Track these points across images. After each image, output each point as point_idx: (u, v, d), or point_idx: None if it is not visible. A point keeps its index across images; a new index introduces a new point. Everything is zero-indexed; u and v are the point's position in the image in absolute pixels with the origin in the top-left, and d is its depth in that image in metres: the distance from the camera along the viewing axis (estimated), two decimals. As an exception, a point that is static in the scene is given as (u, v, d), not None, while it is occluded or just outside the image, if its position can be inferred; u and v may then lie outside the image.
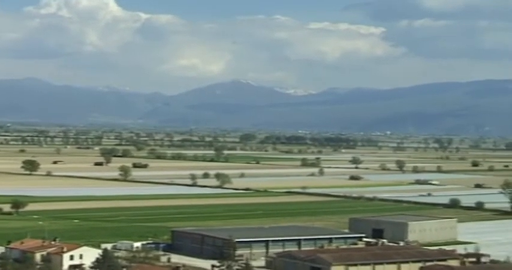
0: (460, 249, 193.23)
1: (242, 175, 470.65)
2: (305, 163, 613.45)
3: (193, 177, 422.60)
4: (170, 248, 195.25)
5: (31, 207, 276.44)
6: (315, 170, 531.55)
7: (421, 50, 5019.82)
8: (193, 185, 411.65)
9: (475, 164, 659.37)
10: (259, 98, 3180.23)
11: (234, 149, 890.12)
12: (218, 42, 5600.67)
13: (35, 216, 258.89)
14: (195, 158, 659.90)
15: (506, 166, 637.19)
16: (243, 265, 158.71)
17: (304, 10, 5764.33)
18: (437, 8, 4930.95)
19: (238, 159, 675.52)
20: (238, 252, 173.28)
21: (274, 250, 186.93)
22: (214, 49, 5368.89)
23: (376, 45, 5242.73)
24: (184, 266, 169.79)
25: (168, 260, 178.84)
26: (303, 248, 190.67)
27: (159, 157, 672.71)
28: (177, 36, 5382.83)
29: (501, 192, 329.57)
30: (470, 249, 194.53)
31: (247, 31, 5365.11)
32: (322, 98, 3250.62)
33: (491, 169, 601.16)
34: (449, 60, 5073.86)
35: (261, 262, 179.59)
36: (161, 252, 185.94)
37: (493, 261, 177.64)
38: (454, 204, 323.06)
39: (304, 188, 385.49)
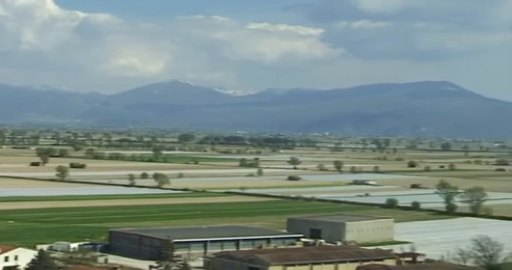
0: (397, 249, 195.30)
1: (180, 175, 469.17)
2: (244, 164, 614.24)
3: (131, 177, 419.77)
4: (107, 249, 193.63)
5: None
6: (254, 170, 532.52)
7: (359, 51, 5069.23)
8: (131, 185, 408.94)
9: (411, 165, 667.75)
10: (198, 99, 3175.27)
11: (172, 149, 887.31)
12: (157, 42, 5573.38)
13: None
14: (133, 158, 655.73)
15: (442, 167, 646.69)
16: (181, 266, 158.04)
17: (243, 11, 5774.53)
18: (375, 9, 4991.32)
19: (176, 159, 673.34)
20: (176, 252, 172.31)
21: (212, 250, 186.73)
22: (153, 49, 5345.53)
23: (315, 46, 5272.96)
24: (121, 266, 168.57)
25: (105, 261, 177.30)
26: (241, 249, 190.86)
27: (97, 157, 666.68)
28: (115, 35, 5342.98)
29: (437, 193, 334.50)
30: (407, 248, 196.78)
31: (186, 31, 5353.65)
32: (261, 99, 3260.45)
33: (427, 170, 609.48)
34: (387, 61, 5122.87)
35: (199, 262, 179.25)
36: (98, 253, 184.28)
37: (428, 261, 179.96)
38: (391, 205, 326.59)
39: (242, 188, 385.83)
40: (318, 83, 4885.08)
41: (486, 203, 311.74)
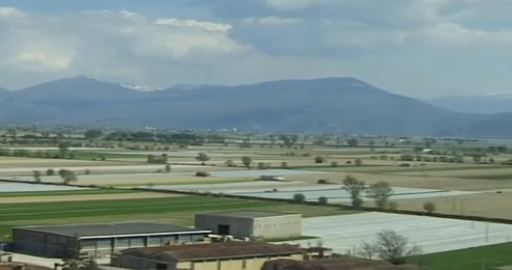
0: (304, 244, 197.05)
1: (87, 172, 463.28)
2: (151, 160, 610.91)
3: (36, 174, 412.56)
4: (12, 247, 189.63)
5: None
6: (162, 166, 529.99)
7: (266, 48, 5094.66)
8: (37, 182, 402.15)
9: (318, 160, 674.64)
10: (105, 94, 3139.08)
11: (79, 145, 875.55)
12: (63, 37, 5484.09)
13: None
14: (39, 155, 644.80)
15: (349, 162, 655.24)
16: (88, 263, 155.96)
17: (151, 6, 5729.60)
18: (283, 6, 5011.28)
19: (83, 155, 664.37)
20: (83, 250, 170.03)
21: (119, 247, 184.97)
22: (59, 44, 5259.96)
23: (223, 42, 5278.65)
24: (26, 265, 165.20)
25: (9, 260, 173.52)
26: (148, 245, 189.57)
27: (1, 154, 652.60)
28: (20, 29, 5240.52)
29: (343, 188, 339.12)
30: (314, 243, 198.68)
31: (93, 26, 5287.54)
32: (168, 95, 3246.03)
33: (334, 165, 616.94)
34: (295, 58, 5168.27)
35: (106, 260, 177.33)
36: (2, 252, 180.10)
37: (334, 255, 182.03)
38: (298, 200, 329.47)
39: (150, 184, 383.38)
40: (226, 79, 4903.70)
41: (391, 198, 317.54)
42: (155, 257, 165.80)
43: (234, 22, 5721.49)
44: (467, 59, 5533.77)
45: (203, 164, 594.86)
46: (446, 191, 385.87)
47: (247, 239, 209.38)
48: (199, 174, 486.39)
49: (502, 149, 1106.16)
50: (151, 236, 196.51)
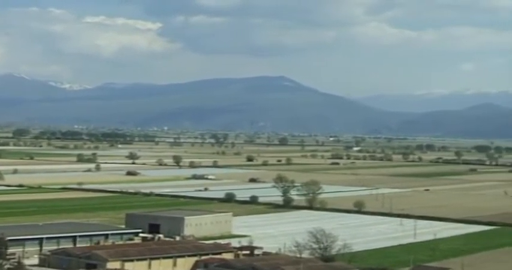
0: (235, 243, 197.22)
1: (15, 171, 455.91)
2: (81, 159, 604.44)
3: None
4: None
5: None
6: (92, 165, 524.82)
7: (197, 46, 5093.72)
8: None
9: (249, 159, 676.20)
10: (33, 92, 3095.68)
11: (6, 144, 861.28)
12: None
13: None
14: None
15: (279, 161, 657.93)
16: (15, 264, 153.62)
17: (80, 3, 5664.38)
18: (213, 4, 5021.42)
19: (11, 155, 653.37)
20: (10, 250, 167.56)
21: (48, 247, 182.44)
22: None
23: (153, 41, 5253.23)
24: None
25: None
26: (78, 245, 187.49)
27: None
28: None
29: (274, 186, 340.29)
30: (244, 242, 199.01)
31: (21, 23, 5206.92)
32: (98, 93, 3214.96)
33: (265, 164, 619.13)
34: (225, 56, 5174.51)
35: (35, 260, 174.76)
36: None
37: (265, 253, 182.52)
38: (229, 199, 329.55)
39: (80, 184, 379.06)
40: (156, 77, 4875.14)
41: (321, 196, 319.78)
42: (85, 257, 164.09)
43: (165, 20, 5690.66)
44: (396, 58, 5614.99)
45: (133, 163, 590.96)
46: (376, 188, 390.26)
47: (178, 238, 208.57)
48: (129, 173, 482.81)
49: (430, 147, 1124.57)
50: (80, 236, 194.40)
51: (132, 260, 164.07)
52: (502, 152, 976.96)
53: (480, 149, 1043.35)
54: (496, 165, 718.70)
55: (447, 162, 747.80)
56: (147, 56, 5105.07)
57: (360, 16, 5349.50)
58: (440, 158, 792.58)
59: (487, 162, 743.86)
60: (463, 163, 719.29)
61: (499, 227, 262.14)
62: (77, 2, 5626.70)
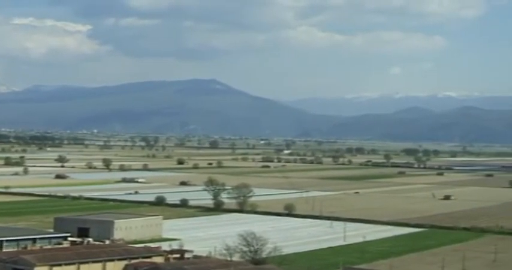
0: (165, 246, 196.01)
1: None
2: (9, 162, 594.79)
3: None
4: None
5: None
6: (19, 169, 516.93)
7: (128, 49, 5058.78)
8: None
9: (180, 162, 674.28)
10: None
11: None
12: None
13: None
14: None
15: (210, 164, 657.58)
16: None
17: (8, 5, 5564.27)
18: (144, 7, 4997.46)
19: None
20: None
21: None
22: None
23: (83, 43, 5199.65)
24: None
25: None
26: (4, 250, 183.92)
27: None
28: None
29: (205, 189, 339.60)
30: (175, 245, 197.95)
31: None
32: (26, 96, 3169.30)
33: (195, 167, 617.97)
34: (156, 59, 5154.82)
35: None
36: None
37: (196, 257, 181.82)
38: (159, 202, 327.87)
39: (7, 187, 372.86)
40: (86, 80, 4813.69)
41: (252, 199, 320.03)
42: (11, 261, 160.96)
43: (94, 22, 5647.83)
44: (326, 61, 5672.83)
45: (62, 166, 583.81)
46: (306, 191, 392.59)
47: (107, 242, 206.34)
48: (58, 176, 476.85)
49: (359, 150, 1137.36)
50: (7, 240, 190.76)
51: (60, 265, 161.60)
52: (430, 155, 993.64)
53: (408, 152, 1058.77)
54: (424, 168, 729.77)
55: (376, 165, 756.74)
56: (77, 58, 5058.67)
57: (290, 20, 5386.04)
58: (369, 161, 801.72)
59: (415, 165, 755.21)
60: (392, 166, 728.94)
61: (426, 229, 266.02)
62: (5, 3, 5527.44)
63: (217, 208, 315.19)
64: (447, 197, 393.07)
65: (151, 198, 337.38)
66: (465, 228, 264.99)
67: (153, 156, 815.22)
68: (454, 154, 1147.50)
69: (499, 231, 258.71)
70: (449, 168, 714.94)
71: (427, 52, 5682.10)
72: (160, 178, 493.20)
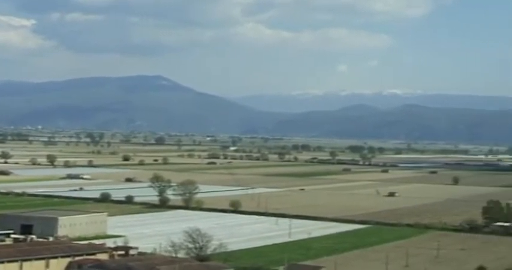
0: (110, 243, 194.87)
1: None
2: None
3: None
4: None
5: None
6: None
7: (73, 44, 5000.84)
8: None
9: (125, 159, 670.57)
10: None
11: None
12: None
13: None
14: None
15: (156, 160, 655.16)
16: None
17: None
18: (88, 2, 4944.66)
19: None
20: None
21: None
22: None
23: (28, 38, 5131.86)
24: None
25: None
26: None
27: None
28: None
29: (150, 186, 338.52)
30: (120, 242, 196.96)
31: None
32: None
33: (141, 163, 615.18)
34: (101, 54, 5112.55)
35: None
36: None
37: (140, 253, 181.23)
38: (104, 198, 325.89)
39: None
40: (30, 75, 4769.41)
41: (198, 196, 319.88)
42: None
43: (39, 17, 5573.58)
44: (273, 58, 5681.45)
45: (6, 163, 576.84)
46: (252, 188, 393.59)
47: (51, 239, 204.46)
48: (1, 172, 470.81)
49: (305, 147, 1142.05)
50: None
51: (2, 262, 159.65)
52: (375, 152, 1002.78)
53: (354, 149, 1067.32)
54: (369, 165, 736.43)
55: (322, 162, 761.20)
56: (21, 53, 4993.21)
57: (237, 16, 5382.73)
58: (315, 158, 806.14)
59: (361, 162, 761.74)
60: (337, 163, 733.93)
61: (371, 226, 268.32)
62: None
63: (163, 205, 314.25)
64: (391, 194, 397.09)
65: (96, 194, 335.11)
66: (409, 225, 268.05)
67: (98, 152, 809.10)
68: (398, 151, 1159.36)
69: (441, 228, 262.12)
70: (393, 166, 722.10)
71: (373, 50, 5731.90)
72: (105, 174, 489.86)
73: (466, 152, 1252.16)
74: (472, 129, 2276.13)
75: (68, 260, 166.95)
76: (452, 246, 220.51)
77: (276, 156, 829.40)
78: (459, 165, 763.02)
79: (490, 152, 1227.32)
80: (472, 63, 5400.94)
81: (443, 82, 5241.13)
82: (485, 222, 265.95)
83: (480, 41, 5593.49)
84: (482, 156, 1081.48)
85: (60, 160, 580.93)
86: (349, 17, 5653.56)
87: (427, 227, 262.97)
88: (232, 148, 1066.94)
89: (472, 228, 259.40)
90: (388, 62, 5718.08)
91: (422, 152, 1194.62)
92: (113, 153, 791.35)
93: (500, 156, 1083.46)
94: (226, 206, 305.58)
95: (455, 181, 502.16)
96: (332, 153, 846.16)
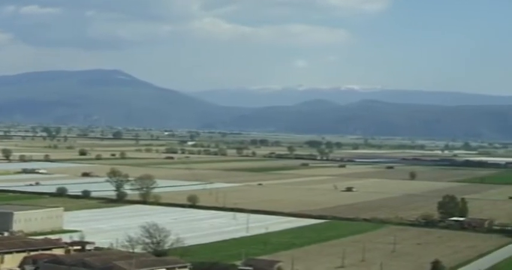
0: (66, 238, 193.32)
1: None
2: None
3: None
4: None
5: None
6: None
7: (29, 38, 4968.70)
8: None
9: (82, 153, 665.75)
10: None
11: None
12: None
13: None
14: None
15: (113, 155, 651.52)
16: None
17: None
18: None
19: None
20: None
21: None
22: None
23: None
24: None
25: None
26: None
27: None
28: None
29: (107, 181, 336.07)
30: (76, 237, 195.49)
31: None
32: None
33: (98, 158, 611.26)
34: (58, 48, 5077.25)
35: None
36: None
37: (97, 249, 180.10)
38: (61, 193, 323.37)
39: None
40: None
41: (155, 191, 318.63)
42: None
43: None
44: (232, 53, 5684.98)
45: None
46: (210, 183, 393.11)
47: (6, 234, 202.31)
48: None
49: (263, 142, 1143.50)
50: None
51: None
52: (333, 147, 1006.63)
53: (312, 144, 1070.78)
54: (327, 160, 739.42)
55: (280, 157, 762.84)
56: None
57: (195, 11, 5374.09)
58: (273, 153, 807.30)
59: (318, 157, 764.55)
60: (295, 158, 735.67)
61: (328, 221, 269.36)
62: None
63: (120, 199, 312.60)
64: (349, 189, 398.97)
65: (52, 189, 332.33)
66: (366, 220, 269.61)
67: (55, 147, 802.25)
68: (356, 146, 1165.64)
69: (398, 223, 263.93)
70: (351, 161, 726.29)
71: (332, 45, 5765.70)
72: (62, 169, 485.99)
73: (422, 147, 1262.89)
74: (429, 124, 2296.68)
75: (23, 255, 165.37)
76: (409, 241, 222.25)
77: (234, 151, 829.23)
78: (416, 161, 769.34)
79: (446, 147, 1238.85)
80: (429, 59, 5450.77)
81: (401, 78, 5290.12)
82: (441, 217, 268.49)
83: (437, 37, 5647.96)
84: (439, 152, 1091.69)
85: (15, 154, 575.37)
86: (307, 12, 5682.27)
87: (384, 222, 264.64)
88: (190, 143, 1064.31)
89: (428, 223, 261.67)
90: (347, 58, 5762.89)
91: (379, 147, 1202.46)
92: (70, 147, 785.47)
93: (456, 152, 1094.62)
94: (184, 201, 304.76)
95: (412, 176, 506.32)
96: (290, 148, 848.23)
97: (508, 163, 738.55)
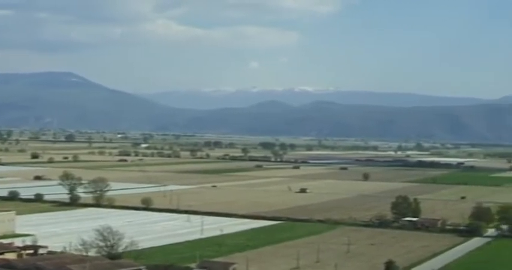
0: (18, 242, 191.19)
1: None
2: None
3: None
4: None
5: None
6: None
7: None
8: None
9: (34, 156, 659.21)
10: None
11: None
12: None
13: None
14: None
15: (66, 158, 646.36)
16: None
17: None
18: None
19: None
20: None
21: None
22: None
23: None
24: None
25: None
26: None
27: None
28: None
29: (60, 184, 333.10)
30: (28, 241, 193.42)
31: None
32: None
33: (51, 161, 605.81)
34: (8, 51, 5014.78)
35: None
36: None
37: (50, 252, 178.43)
38: (13, 197, 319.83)
39: None
40: None
41: (109, 194, 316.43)
42: None
43: None
44: (185, 55, 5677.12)
45: None
46: (164, 185, 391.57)
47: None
48: None
49: (217, 144, 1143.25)
50: None
51: None
52: (287, 149, 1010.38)
53: (265, 145, 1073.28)
54: (281, 161, 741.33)
55: (234, 158, 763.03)
56: None
57: (147, 13, 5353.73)
58: (227, 155, 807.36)
59: (272, 159, 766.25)
60: (249, 160, 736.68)
61: (283, 222, 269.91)
62: None
63: (73, 203, 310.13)
64: (303, 190, 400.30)
65: (3, 193, 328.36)
66: (320, 221, 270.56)
67: (6, 150, 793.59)
68: (309, 148, 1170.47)
69: (352, 223, 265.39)
70: (305, 162, 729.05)
71: (284, 47, 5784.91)
72: (13, 172, 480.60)
73: (375, 148, 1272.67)
74: (382, 125, 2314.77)
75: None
76: (363, 241, 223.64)
77: (187, 153, 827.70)
78: (369, 162, 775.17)
79: (399, 148, 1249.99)
80: (381, 60, 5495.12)
81: (354, 79, 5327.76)
82: (394, 217, 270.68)
83: (387, 40, 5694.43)
84: (392, 152, 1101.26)
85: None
86: (259, 14, 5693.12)
87: (338, 223, 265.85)
88: (143, 145, 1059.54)
89: (382, 223, 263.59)
90: (300, 59, 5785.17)
91: (333, 148, 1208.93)
92: (21, 150, 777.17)
93: (408, 152, 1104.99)
94: (138, 204, 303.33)
95: (365, 177, 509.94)
96: (244, 150, 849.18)
97: (459, 163, 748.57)
